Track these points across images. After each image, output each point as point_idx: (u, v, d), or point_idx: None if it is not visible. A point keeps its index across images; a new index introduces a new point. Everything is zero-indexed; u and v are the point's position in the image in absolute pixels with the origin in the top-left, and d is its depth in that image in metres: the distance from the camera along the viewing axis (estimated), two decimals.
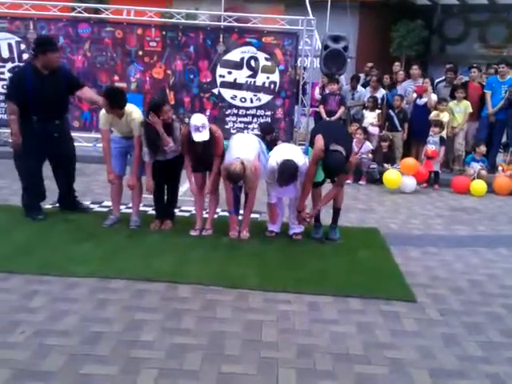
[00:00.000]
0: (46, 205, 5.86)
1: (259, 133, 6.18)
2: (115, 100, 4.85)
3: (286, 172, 4.68)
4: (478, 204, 7.19)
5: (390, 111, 8.80)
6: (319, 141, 4.76)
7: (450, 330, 3.44)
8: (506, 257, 4.99)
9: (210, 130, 4.85)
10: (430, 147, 8.14)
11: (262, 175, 4.99)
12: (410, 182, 7.68)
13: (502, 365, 3.04)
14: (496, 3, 18.41)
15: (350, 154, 4.82)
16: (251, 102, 9.38)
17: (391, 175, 7.69)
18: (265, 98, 9.39)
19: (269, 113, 9.44)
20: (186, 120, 8.99)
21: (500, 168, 8.15)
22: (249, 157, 4.82)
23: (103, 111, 5.01)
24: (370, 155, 8.23)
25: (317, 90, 10.12)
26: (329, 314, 3.58)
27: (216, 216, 5.44)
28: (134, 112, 4.96)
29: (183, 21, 9.66)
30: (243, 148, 4.93)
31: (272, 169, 4.84)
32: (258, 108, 9.42)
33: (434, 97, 8.66)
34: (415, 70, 9.33)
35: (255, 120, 9.38)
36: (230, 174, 4.75)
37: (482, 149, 8.17)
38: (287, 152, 4.94)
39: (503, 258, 4.96)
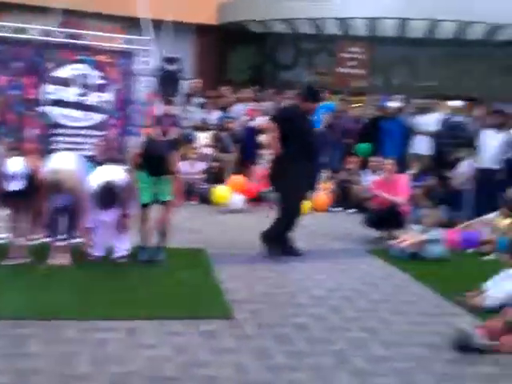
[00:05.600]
0: None
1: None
2: None
3: (106, 196, 4.72)
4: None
5: (222, 133, 9.13)
6: None
7: (263, 344, 3.65)
8: (320, 269, 5.42)
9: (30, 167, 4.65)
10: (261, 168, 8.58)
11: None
12: (238, 199, 7.98)
13: (305, 372, 3.30)
14: (322, 33, 20.14)
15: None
16: (82, 121, 9.05)
17: (220, 190, 7.95)
18: (97, 117, 9.12)
19: (102, 133, 9.18)
20: (7, 140, 8.45)
21: (320, 186, 8.87)
22: (67, 166, 4.71)
23: None
24: (203, 175, 8.44)
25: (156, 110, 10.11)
26: (146, 339, 3.58)
27: (36, 242, 5.15)
28: None
29: (9, 35, 9.04)
30: (61, 160, 4.87)
31: (93, 191, 4.75)
32: (89, 128, 9.12)
33: (264, 120, 9.20)
34: (247, 93, 9.87)
35: (87, 140, 9.06)
36: (49, 182, 4.56)
37: None
38: (108, 173, 4.95)
39: (317, 270, 5.37)
